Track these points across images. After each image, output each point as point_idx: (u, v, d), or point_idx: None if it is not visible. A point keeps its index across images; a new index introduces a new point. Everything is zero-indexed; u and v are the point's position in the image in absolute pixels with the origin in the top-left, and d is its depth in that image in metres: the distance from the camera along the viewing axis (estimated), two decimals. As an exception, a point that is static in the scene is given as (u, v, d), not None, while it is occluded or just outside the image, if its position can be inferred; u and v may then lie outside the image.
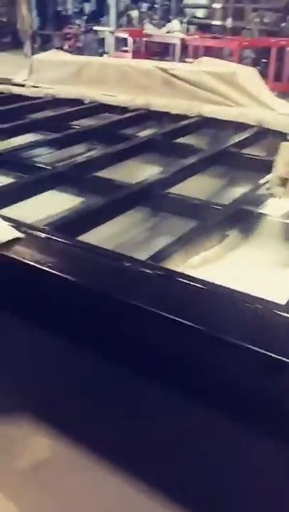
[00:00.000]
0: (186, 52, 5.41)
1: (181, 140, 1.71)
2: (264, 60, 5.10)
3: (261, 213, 1.11)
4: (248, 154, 1.53)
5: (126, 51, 5.90)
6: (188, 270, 0.91)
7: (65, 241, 0.87)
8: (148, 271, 0.79)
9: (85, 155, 1.65)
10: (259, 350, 0.63)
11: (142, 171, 1.47)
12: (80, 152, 1.70)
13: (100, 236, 1.08)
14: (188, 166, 1.39)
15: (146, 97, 2.00)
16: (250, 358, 0.65)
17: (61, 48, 5.83)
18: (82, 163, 1.44)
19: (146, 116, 1.94)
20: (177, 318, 0.70)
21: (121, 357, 0.83)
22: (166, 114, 1.90)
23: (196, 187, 1.36)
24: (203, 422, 0.92)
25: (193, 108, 1.82)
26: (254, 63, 4.89)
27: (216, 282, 0.77)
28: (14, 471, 0.93)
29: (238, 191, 1.29)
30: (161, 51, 6.11)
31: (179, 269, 0.89)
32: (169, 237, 1.10)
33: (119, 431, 0.99)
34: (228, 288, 0.75)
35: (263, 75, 2.05)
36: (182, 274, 0.79)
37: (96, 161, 1.46)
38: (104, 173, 1.40)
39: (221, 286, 0.75)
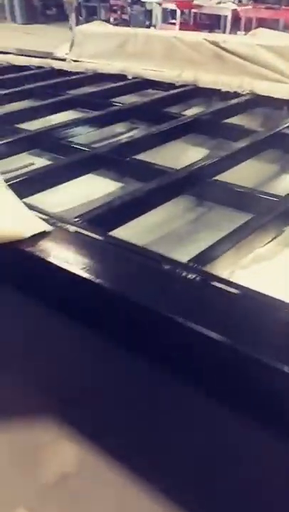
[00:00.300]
0: (238, 24, 5.13)
1: (231, 120, 1.56)
2: None
3: None
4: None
5: (173, 23, 5.67)
6: (239, 272, 0.80)
7: (97, 237, 0.77)
8: (190, 276, 0.68)
9: (126, 135, 1.54)
10: None
11: (187, 155, 1.34)
12: (121, 131, 1.59)
13: (139, 228, 0.97)
14: (239, 149, 1.25)
15: (194, 72, 1.85)
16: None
17: (107, 21, 5.65)
18: (122, 145, 1.33)
19: (194, 93, 1.80)
20: (220, 338, 0.59)
21: (160, 365, 0.74)
22: (216, 91, 1.75)
23: (248, 174, 1.23)
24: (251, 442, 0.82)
25: (245, 85, 1.67)
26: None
27: (269, 292, 0.65)
28: (39, 483, 0.86)
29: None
30: (210, 23, 5.84)
31: (227, 271, 0.79)
32: (216, 232, 0.99)
33: (155, 444, 0.90)
34: (281, 302, 0.63)
35: None
36: (229, 282, 0.68)
37: (138, 142, 1.34)
38: (146, 156, 1.29)
39: (275, 299, 0.63)
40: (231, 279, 0.71)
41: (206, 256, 0.77)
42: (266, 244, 0.88)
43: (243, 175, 1.21)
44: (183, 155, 1.35)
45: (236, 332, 0.58)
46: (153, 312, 0.63)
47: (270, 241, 0.89)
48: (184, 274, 0.68)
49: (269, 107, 1.64)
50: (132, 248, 0.75)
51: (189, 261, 0.74)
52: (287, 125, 1.41)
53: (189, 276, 0.68)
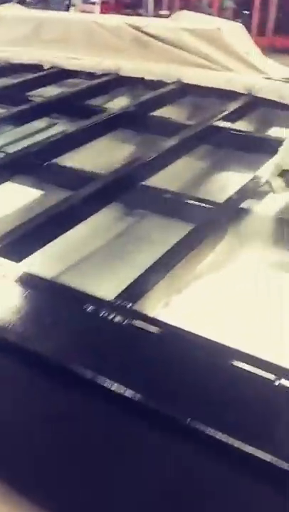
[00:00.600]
0: (161, 3, 5.01)
1: (158, 113, 1.45)
2: (245, 12, 4.75)
3: (262, 214, 0.90)
4: (240, 131, 1.29)
5: (93, 3, 5.44)
6: (175, 303, 0.70)
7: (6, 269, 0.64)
8: (117, 319, 0.56)
9: (45, 134, 1.39)
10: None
11: (113, 155, 1.22)
12: (39, 130, 1.43)
13: (58, 248, 0.85)
14: (170, 147, 1.14)
15: (115, 59, 1.72)
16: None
17: (22, 2, 5.31)
18: (42, 146, 1.18)
19: (116, 83, 1.66)
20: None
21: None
22: (139, 80, 1.63)
23: (181, 175, 1.13)
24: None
25: (171, 73, 1.56)
26: (234, 15, 4.54)
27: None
28: None
29: (233, 181, 1.07)
30: (133, 2, 5.67)
31: (161, 303, 0.68)
32: (148, 247, 0.88)
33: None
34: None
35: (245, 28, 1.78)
36: (167, 326, 0.57)
37: (58, 142, 1.20)
38: (68, 158, 1.16)
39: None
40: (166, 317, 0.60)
41: (137, 288, 0.66)
42: (202, 263, 0.78)
43: (176, 176, 1.11)
44: (109, 155, 1.23)
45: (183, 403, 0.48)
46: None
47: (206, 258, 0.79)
48: (109, 316, 0.57)
49: (197, 97, 1.55)
50: (44, 284, 0.62)
51: (118, 296, 0.62)
52: (218, 117, 1.32)
53: (116, 318, 0.56)
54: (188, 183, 1.13)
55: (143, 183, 1.02)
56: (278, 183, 0.89)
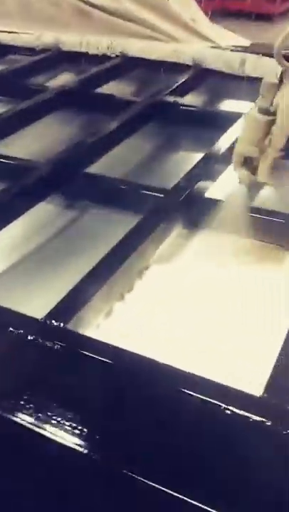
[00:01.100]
0: None
1: (103, 89, 1.35)
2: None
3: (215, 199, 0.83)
4: (190, 106, 1.21)
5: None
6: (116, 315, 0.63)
7: None
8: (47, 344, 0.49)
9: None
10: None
11: (52, 140, 1.12)
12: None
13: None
14: (115, 129, 1.06)
15: (56, 33, 1.59)
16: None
17: None
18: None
19: (57, 58, 1.54)
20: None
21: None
22: (82, 54, 1.52)
23: (127, 158, 1.04)
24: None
25: (114, 45, 1.45)
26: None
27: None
28: None
29: (184, 162, 0.99)
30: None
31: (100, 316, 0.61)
32: (91, 244, 0.80)
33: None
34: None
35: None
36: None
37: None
38: (5, 146, 1.05)
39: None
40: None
41: (73, 300, 0.58)
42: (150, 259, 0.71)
43: (122, 160, 1.03)
44: (49, 140, 1.12)
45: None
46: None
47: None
48: (37, 339, 0.49)
49: (144, 70, 1.45)
50: None
51: (50, 313, 0.54)
52: (166, 92, 1.24)
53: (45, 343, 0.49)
54: (136, 167, 1.04)
55: (85, 170, 0.94)
56: (243, 172, 0.82)
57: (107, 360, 0.48)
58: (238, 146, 0.79)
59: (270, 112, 0.72)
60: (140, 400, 0.45)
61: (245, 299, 0.64)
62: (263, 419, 0.41)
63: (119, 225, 0.84)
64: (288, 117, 0.70)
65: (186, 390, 0.44)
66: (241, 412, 0.41)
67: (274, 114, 0.72)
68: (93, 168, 0.95)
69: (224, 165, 0.95)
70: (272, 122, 0.72)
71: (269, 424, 0.41)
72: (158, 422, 0.43)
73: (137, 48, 1.41)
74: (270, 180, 0.79)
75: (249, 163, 0.79)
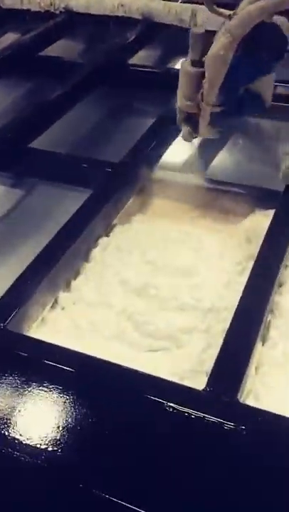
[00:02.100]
0: None
1: (48, 52, 1.26)
2: None
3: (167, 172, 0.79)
4: (141, 66, 1.14)
5: None
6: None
7: None
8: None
9: None
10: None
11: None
12: None
13: None
14: (59, 96, 0.99)
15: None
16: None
17: None
18: None
19: (-2, 18, 1.43)
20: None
21: None
22: (24, 12, 1.41)
23: (75, 129, 0.99)
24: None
25: (57, 1, 1.35)
26: None
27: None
28: None
29: (135, 129, 0.94)
30: None
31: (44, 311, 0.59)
32: (42, 224, 0.77)
33: None
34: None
35: None
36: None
37: None
38: None
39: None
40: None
41: (15, 295, 0.55)
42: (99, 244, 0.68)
43: (69, 132, 0.97)
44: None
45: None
46: None
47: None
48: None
49: (90, 28, 1.35)
50: None
51: None
52: (114, 51, 1.16)
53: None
54: (85, 138, 0.99)
55: (30, 145, 0.88)
56: (185, 129, 0.79)
57: (50, 362, 0.46)
58: (178, 102, 0.75)
59: (200, 64, 0.68)
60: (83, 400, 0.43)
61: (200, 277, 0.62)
62: (204, 414, 0.40)
63: (70, 202, 0.80)
64: (214, 68, 0.65)
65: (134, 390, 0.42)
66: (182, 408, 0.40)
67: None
68: (39, 143, 0.89)
69: (177, 129, 0.91)
70: (204, 75, 0.68)
71: (212, 418, 0.40)
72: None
73: (82, 2, 1.31)
74: (209, 134, 0.76)
75: (191, 120, 0.75)
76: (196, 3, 1.17)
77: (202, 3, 1.15)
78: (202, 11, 1.12)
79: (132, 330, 0.55)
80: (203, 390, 0.43)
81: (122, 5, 1.23)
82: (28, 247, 0.74)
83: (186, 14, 1.14)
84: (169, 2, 1.17)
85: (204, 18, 1.12)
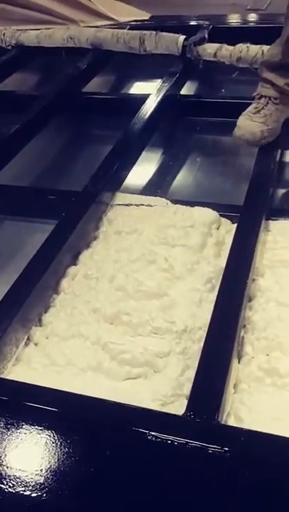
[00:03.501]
0: None
1: (2, 86, 1.26)
2: None
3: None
4: (96, 93, 1.16)
5: None
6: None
7: None
8: None
9: None
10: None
11: None
12: None
13: None
14: (21, 128, 0.99)
15: None
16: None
17: None
18: None
19: None
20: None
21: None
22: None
23: (37, 160, 0.99)
24: None
25: (10, 36, 1.36)
26: None
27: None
28: None
29: (94, 157, 0.94)
30: None
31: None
32: (8, 262, 0.76)
33: None
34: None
35: None
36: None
37: None
38: None
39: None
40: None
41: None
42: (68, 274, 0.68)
43: (31, 164, 0.97)
44: None
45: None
46: None
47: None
48: None
49: (44, 60, 1.37)
50: None
51: None
52: (68, 81, 1.17)
53: None
54: (46, 170, 0.99)
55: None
56: None
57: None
58: None
59: None
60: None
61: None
62: (187, 440, 0.40)
63: (36, 235, 0.80)
64: None
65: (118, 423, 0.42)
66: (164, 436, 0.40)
67: None
68: (0, 178, 0.89)
69: (136, 152, 0.92)
70: None
71: (195, 443, 0.40)
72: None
73: (32, 36, 1.32)
74: None
75: None
76: (145, 28, 1.21)
77: (150, 29, 1.18)
78: (149, 36, 1.15)
79: (108, 360, 0.54)
80: (183, 415, 0.43)
81: (71, 37, 1.25)
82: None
83: (134, 41, 1.17)
84: (117, 30, 1.20)
85: (152, 42, 1.15)
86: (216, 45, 1.08)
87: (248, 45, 1.08)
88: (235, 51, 1.05)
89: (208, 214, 0.73)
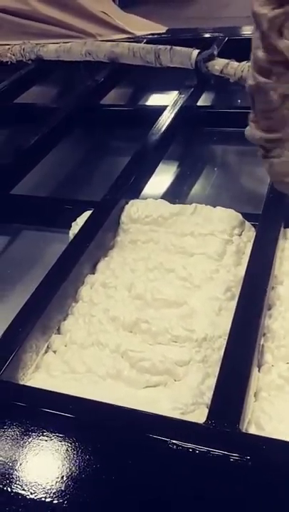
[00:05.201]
0: None
1: (23, 99, 1.30)
2: None
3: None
4: (114, 105, 1.18)
5: None
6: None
7: None
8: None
9: None
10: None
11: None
12: None
13: None
14: (40, 140, 1.01)
15: None
16: None
17: None
18: None
19: None
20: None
21: None
22: (-4, 63, 1.45)
23: (56, 171, 1.01)
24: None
25: (30, 51, 1.39)
26: None
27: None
28: None
29: (113, 167, 0.96)
30: None
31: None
32: (27, 271, 0.77)
33: None
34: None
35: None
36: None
37: None
38: None
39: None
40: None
41: (5, 347, 0.55)
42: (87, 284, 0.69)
43: (49, 175, 0.99)
44: None
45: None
46: None
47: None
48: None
49: (63, 72, 1.40)
50: None
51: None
52: (85, 94, 1.20)
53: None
54: (64, 181, 1.01)
55: (11, 192, 0.90)
56: None
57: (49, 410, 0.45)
58: None
59: None
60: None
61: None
62: (209, 448, 0.40)
63: (55, 245, 0.81)
64: None
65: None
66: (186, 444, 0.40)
67: None
68: (19, 189, 0.90)
69: (154, 162, 0.93)
70: None
71: (216, 452, 0.40)
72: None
73: (51, 51, 1.35)
74: None
75: None
76: (161, 41, 1.22)
77: (166, 42, 1.20)
78: (164, 50, 1.17)
79: (127, 367, 0.54)
80: (204, 423, 0.43)
81: (89, 53, 1.27)
82: (16, 292, 0.74)
83: (150, 55, 1.18)
84: (133, 44, 1.22)
85: (168, 56, 1.17)
86: (223, 62, 1.08)
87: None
88: (238, 70, 1.05)
89: (231, 217, 0.73)
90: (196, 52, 1.10)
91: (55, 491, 0.40)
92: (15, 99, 1.28)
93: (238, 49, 1.15)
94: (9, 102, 1.26)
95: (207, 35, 1.38)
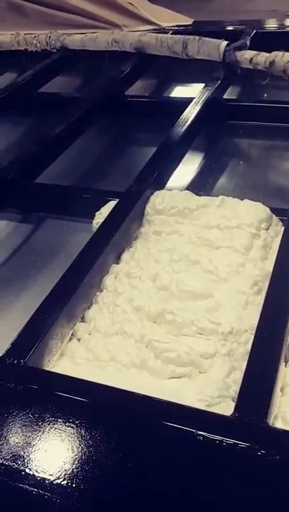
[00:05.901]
0: None
1: (47, 88, 1.30)
2: None
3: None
4: (138, 96, 1.17)
5: None
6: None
7: None
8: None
9: None
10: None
11: None
12: None
13: None
14: (65, 129, 1.01)
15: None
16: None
17: None
18: None
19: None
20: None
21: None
22: (23, 52, 1.45)
23: (80, 160, 1.00)
24: None
25: (55, 39, 1.39)
26: None
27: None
28: None
29: (139, 158, 0.96)
30: None
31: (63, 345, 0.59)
32: (51, 260, 0.77)
33: None
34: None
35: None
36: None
37: None
38: None
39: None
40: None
41: (31, 334, 0.55)
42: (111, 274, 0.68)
43: (74, 164, 0.99)
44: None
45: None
46: None
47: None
48: None
49: (87, 63, 1.40)
50: None
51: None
52: (112, 84, 1.19)
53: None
54: (89, 171, 1.00)
55: (36, 180, 0.90)
56: None
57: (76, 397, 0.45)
58: None
59: None
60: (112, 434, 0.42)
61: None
62: (235, 441, 0.39)
63: (78, 234, 0.81)
64: None
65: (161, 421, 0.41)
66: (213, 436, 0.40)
67: None
68: (44, 177, 0.91)
69: (180, 154, 0.93)
70: None
71: (243, 444, 0.39)
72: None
73: (77, 40, 1.35)
74: None
75: None
76: (187, 33, 1.21)
77: (192, 34, 1.19)
78: (192, 41, 1.15)
79: (152, 358, 0.54)
80: (231, 415, 0.43)
81: (115, 41, 1.26)
82: (41, 280, 0.74)
83: (177, 45, 1.17)
84: (161, 35, 1.21)
85: (195, 47, 1.15)
86: (253, 52, 1.07)
87: (284, 52, 1.07)
88: (269, 58, 1.04)
89: (259, 210, 0.72)
90: (224, 43, 1.08)
91: (76, 474, 0.40)
92: (39, 89, 1.28)
93: (264, 42, 1.14)
94: (34, 91, 1.26)
95: (232, 28, 1.36)
